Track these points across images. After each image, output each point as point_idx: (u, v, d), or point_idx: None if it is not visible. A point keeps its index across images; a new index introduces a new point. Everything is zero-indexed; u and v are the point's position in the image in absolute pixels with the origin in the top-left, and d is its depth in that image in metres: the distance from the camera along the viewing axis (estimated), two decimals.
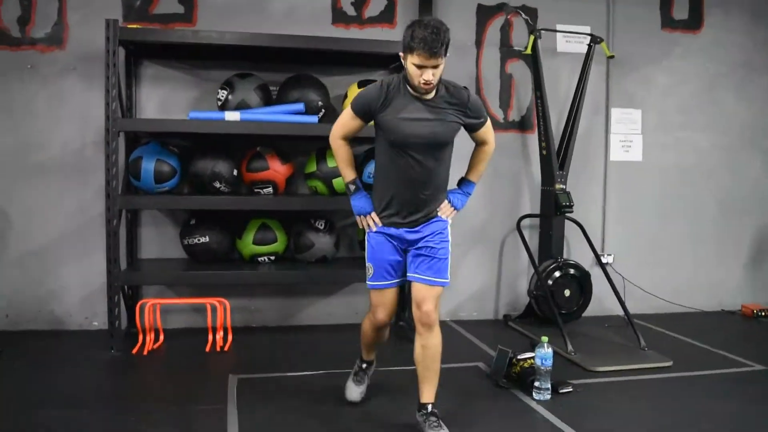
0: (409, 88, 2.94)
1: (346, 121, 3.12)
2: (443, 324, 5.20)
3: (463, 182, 3.28)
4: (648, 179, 5.83)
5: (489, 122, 3.19)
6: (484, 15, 5.46)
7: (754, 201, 6.16)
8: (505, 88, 5.51)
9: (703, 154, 5.98)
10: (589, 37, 5.32)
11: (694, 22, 5.92)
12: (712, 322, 5.68)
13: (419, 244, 3.04)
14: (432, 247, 3.03)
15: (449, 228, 3.18)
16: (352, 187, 3.15)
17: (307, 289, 5.19)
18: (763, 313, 5.85)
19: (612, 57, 5.43)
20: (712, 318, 5.82)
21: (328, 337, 4.87)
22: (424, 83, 2.81)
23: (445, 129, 2.98)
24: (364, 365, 3.51)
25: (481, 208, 5.45)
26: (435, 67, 2.78)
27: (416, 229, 3.06)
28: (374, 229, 3.09)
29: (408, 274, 3.08)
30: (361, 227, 3.20)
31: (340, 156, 3.17)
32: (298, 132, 4.47)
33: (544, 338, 3.63)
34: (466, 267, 5.45)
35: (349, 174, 3.17)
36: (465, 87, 3.03)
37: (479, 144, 3.24)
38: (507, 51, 5.50)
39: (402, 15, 5.24)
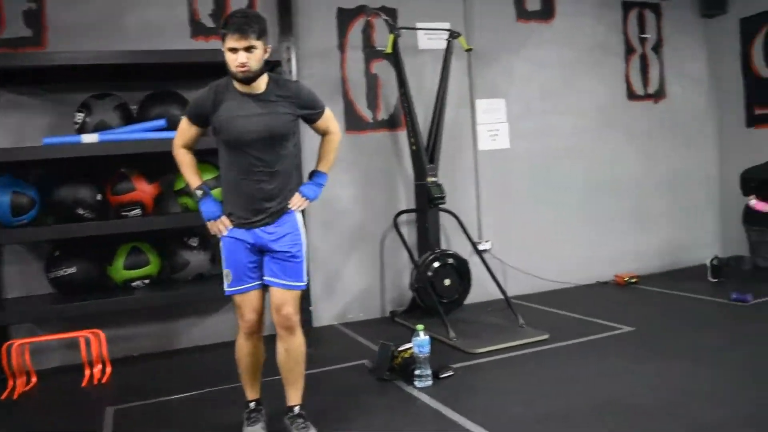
0: (236, 86, 2.95)
1: (183, 129, 3.10)
2: (331, 328, 5.31)
3: (314, 174, 3.25)
4: (517, 165, 6.09)
5: (328, 112, 3.20)
6: (345, 18, 5.54)
7: (618, 176, 6.55)
8: (371, 88, 5.60)
9: (566, 137, 6.30)
10: (447, 33, 5.49)
11: (546, 12, 6.24)
12: (588, 294, 6.00)
13: (274, 247, 3.02)
14: (286, 251, 3.01)
15: (302, 229, 3.14)
16: (199, 193, 3.09)
17: (186, 310, 5.04)
18: (633, 280, 6.23)
19: (470, 50, 5.63)
20: (588, 290, 6.15)
21: (214, 357, 4.72)
22: (239, 66, 2.83)
23: (279, 122, 2.97)
24: (252, 405, 3.24)
25: (358, 209, 5.53)
26: (248, 49, 2.82)
27: (269, 227, 3.02)
28: (224, 232, 3.06)
29: (264, 278, 3.05)
30: (213, 233, 3.13)
31: (184, 164, 3.14)
32: (163, 149, 4.35)
33: (420, 326, 3.73)
34: (348, 269, 5.52)
35: (194, 180, 3.12)
36: (296, 81, 3.05)
37: (323, 134, 3.25)
38: (370, 52, 5.60)
39: None
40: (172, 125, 4.50)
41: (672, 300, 5.55)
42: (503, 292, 5.01)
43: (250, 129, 2.92)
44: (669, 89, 6.87)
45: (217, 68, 4.64)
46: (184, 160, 3.14)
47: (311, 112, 3.12)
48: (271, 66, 3.06)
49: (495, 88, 6.01)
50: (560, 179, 6.26)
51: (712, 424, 2.92)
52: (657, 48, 6.81)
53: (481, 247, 5.74)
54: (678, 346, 4.17)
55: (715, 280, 6.00)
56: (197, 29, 5.09)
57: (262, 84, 2.96)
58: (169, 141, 4.34)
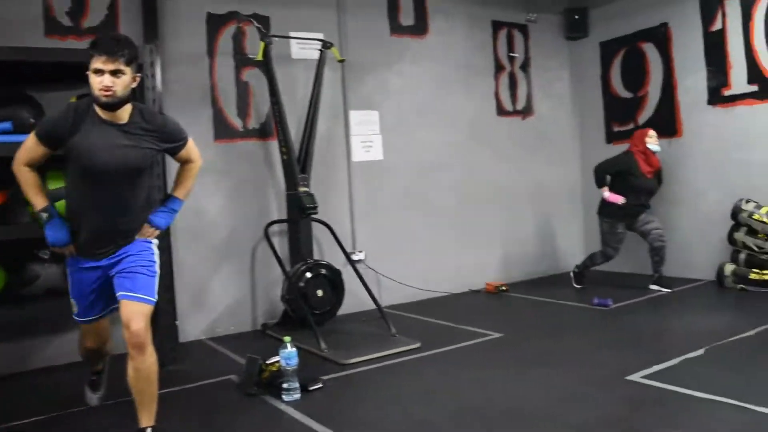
0: (98, 111, 2.75)
1: (29, 147, 2.82)
2: (199, 343, 5.09)
3: (169, 199, 3.11)
4: (390, 177, 6.13)
5: (190, 142, 3.08)
6: (215, 24, 5.38)
7: (488, 189, 6.75)
8: (242, 96, 5.46)
9: (437, 150, 6.42)
10: (320, 43, 5.45)
11: (420, 28, 6.35)
12: (460, 302, 6.11)
13: (122, 265, 2.84)
14: (135, 266, 2.84)
15: (155, 247, 3.01)
16: (44, 216, 2.85)
17: (38, 327, 4.64)
18: (503, 288, 6.42)
19: (342, 61, 5.62)
20: (459, 298, 6.27)
21: (70, 377, 4.28)
22: (103, 89, 2.64)
23: (140, 155, 2.82)
24: (94, 377, 3.47)
25: (228, 220, 5.36)
26: (114, 73, 2.65)
27: (116, 254, 2.87)
28: (68, 257, 2.87)
29: (116, 293, 2.86)
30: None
31: (27, 183, 2.85)
32: (7, 153, 4.02)
33: (287, 338, 3.63)
34: (218, 281, 5.32)
35: (38, 201, 2.85)
36: (161, 113, 2.93)
37: (184, 162, 3.12)
38: (241, 59, 5.47)
39: (126, 25, 4.93)
40: (20, 129, 4.17)
41: (539, 306, 5.76)
42: (376, 302, 5.00)
43: (109, 161, 2.74)
44: (536, 106, 7.18)
45: (73, 69, 4.38)
46: (27, 179, 2.86)
47: (175, 146, 3.00)
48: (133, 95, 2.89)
49: (369, 100, 6.04)
50: (432, 191, 6.37)
51: (577, 427, 2.99)
52: (525, 67, 7.11)
53: (354, 258, 5.74)
54: (544, 351, 4.30)
55: (579, 286, 6.29)
56: (52, 27, 4.75)
57: (125, 114, 2.79)
58: (16, 145, 4.02)
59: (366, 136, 6.01)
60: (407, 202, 6.22)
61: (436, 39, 6.44)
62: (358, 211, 5.97)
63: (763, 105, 5.82)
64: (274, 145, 5.44)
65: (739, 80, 5.99)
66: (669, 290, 5.86)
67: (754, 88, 5.87)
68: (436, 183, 6.40)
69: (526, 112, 7.11)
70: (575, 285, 6.32)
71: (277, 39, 5.31)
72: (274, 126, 5.30)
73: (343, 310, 5.34)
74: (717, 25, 6.12)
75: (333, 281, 5.19)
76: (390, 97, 6.16)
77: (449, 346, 4.53)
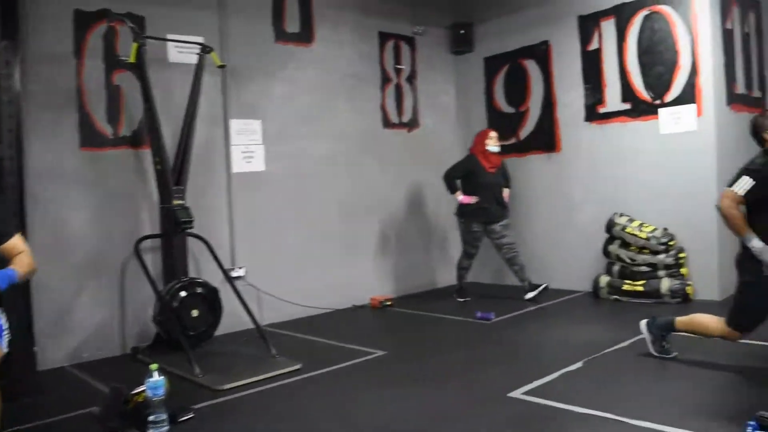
0: None
1: None
2: (60, 371, 4.66)
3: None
4: (273, 188, 5.91)
5: (17, 237, 2.94)
6: (83, 22, 4.98)
7: (373, 202, 6.66)
8: (112, 100, 5.08)
9: (323, 161, 6.26)
10: (199, 47, 5.17)
11: (306, 36, 6.18)
12: (344, 319, 5.97)
13: None
14: None
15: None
16: None
17: None
18: (388, 303, 6.34)
19: (223, 66, 5.35)
20: (344, 315, 6.13)
21: None
22: None
23: None
24: None
25: (94, 234, 4.94)
26: None
27: None
28: None
29: None
30: None
31: None
32: None
33: (153, 366, 3.35)
34: (83, 302, 4.89)
35: None
36: None
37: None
38: (113, 61, 5.08)
39: None
40: None
41: (423, 321, 5.71)
42: (255, 321, 4.76)
43: None
44: (422, 119, 7.19)
45: None
46: None
47: None
48: None
49: (251, 108, 5.80)
50: (317, 203, 6.21)
51: None
52: (411, 79, 7.10)
53: (234, 274, 5.50)
54: (427, 368, 4.23)
55: (462, 299, 6.31)
56: None
57: None
58: None
59: (247, 146, 5.76)
60: (291, 215, 6.02)
61: (322, 47, 6.30)
62: (238, 225, 5.70)
63: (635, 123, 6.07)
64: (147, 154, 5.08)
65: (613, 98, 6.22)
66: (544, 285, 6.10)
67: (627, 106, 6.12)
68: (321, 195, 6.24)
69: (412, 124, 7.09)
70: (457, 298, 6.35)
71: (152, 41, 4.99)
72: (147, 134, 4.97)
73: (222, 330, 5.08)
74: (594, 45, 6.34)
75: (209, 300, 4.91)
76: (273, 105, 5.94)
77: (331, 366, 4.37)
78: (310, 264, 6.13)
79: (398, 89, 6.96)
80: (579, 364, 3.99)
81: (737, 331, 3.67)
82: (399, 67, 6.96)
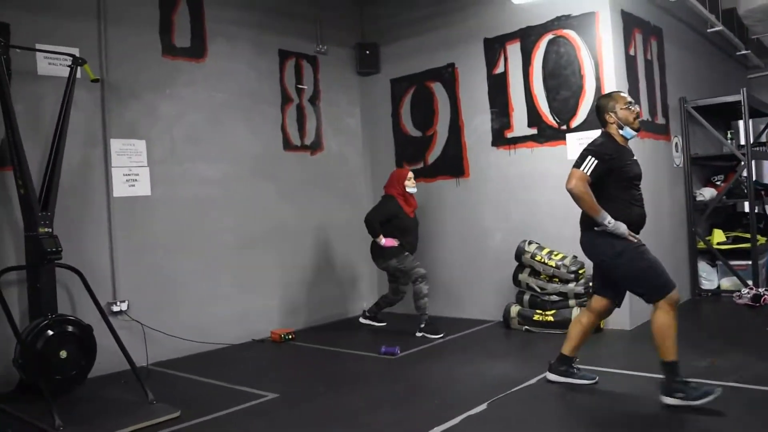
0: None
1: None
2: None
3: None
4: (160, 214, 5.41)
5: None
6: None
7: (274, 229, 6.24)
8: None
9: (216, 185, 5.81)
10: (70, 59, 4.67)
11: (197, 50, 5.76)
12: (240, 355, 5.50)
13: None
14: None
15: None
16: None
17: None
18: (290, 336, 5.91)
19: (96, 80, 4.86)
20: (241, 350, 5.65)
21: None
22: None
23: None
24: None
25: None
26: None
27: None
28: None
29: None
30: None
31: None
32: None
33: None
34: None
35: None
36: None
37: None
38: None
39: None
40: None
41: (324, 357, 5.32)
42: (130, 361, 4.25)
43: None
44: (326, 142, 6.85)
45: None
46: None
47: None
48: None
49: (134, 127, 5.30)
50: (210, 230, 5.74)
51: None
52: (314, 100, 6.76)
53: (115, 309, 4.99)
54: (320, 412, 3.84)
55: (440, 336, 5.72)
56: None
57: None
58: None
59: (130, 168, 5.25)
60: (180, 244, 5.52)
61: (215, 63, 5.88)
62: (120, 254, 5.16)
63: (542, 148, 5.94)
64: (9, 176, 4.52)
65: (520, 123, 6.08)
66: (439, 336, 5.62)
67: (534, 131, 5.98)
68: (215, 222, 5.78)
69: (315, 147, 6.74)
70: (433, 335, 5.71)
71: (17, 51, 4.47)
72: (8, 153, 4.41)
73: (104, 371, 4.60)
74: (500, 68, 6.19)
75: (81, 339, 4.35)
76: (160, 124, 5.46)
77: (215, 412, 3.90)
78: (204, 296, 5.64)
79: (300, 110, 6.61)
80: (483, 406, 3.69)
81: (667, 292, 3.49)
82: (301, 86, 6.62)
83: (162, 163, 5.45)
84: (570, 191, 3.55)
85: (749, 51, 8.61)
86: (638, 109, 3.75)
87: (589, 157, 3.55)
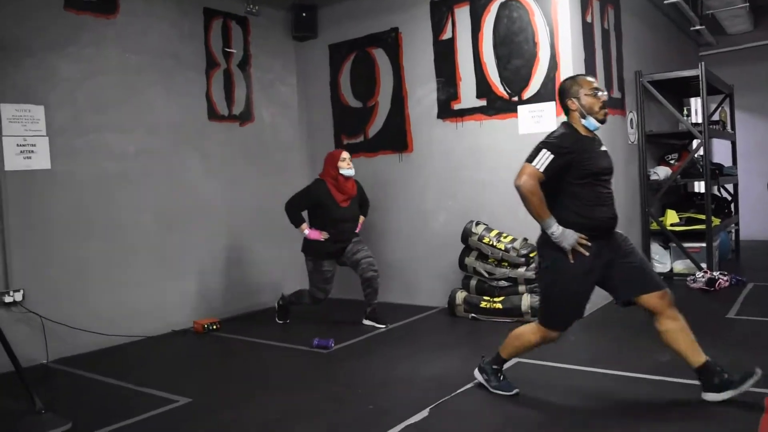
0: None
1: None
2: None
3: None
4: (62, 191, 4.76)
5: None
6: None
7: (197, 208, 5.64)
8: None
9: (130, 158, 5.18)
10: None
11: (107, 5, 5.08)
12: (157, 349, 4.93)
13: None
14: None
15: None
16: None
17: None
18: (214, 327, 5.35)
19: None
20: (159, 343, 5.08)
21: None
22: None
23: None
24: None
25: None
26: None
27: None
28: None
29: None
30: None
31: None
32: None
33: None
34: None
35: None
36: None
37: None
38: None
39: None
40: None
41: (251, 350, 4.77)
42: (14, 361, 3.60)
43: None
44: (257, 112, 6.25)
45: None
46: None
47: None
48: None
49: (29, 91, 4.61)
50: (123, 209, 5.11)
51: None
52: (244, 66, 6.14)
53: (7, 299, 4.38)
54: (232, 423, 3.30)
55: (281, 322, 5.53)
56: None
57: None
58: None
59: (25, 138, 4.57)
60: (87, 225, 4.89)
61: (129, 20, 5.20)
62: (13, 237, 4.49)
63: (491, 121, 5.48)
64: None
65: (468, 94, 5.60)
66: (384, 326, 5.18)
67: (483, 102, 5.51)
68: (128, 200, 5.15)
69: (245, 117, 6.13)
70: (278, 320, 5.52)
71: None
72: None
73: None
74: (447, 34, 5.68)
75: None
76: (61, 88, 4.78)
77: (114, 424, 3.34)
78: (116, 283, 5.04)
79: (228, 76, 5.97)
80: (425, 413, 3.22)
81: (550, 328, 3.21)
82: (229, 50, 5.98)
83: (64, 133, 4.78)
84: (517, 188, 3.03)
85: (703, 26, 8.33)
86: (605, 96, 3.19)
87: (544, 150, 3.02)
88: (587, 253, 3.06)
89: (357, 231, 5.31)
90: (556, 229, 3.03)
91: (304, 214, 5.24)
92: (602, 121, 3.20)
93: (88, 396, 3.87)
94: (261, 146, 6.23)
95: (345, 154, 5.20)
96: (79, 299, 4.81)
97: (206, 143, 5.74)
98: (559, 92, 3.29)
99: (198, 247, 5.65)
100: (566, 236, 3.03)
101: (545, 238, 3.12)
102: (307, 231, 5.13)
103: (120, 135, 5.10)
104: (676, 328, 3.10)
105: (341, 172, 5.13)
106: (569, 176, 3.08)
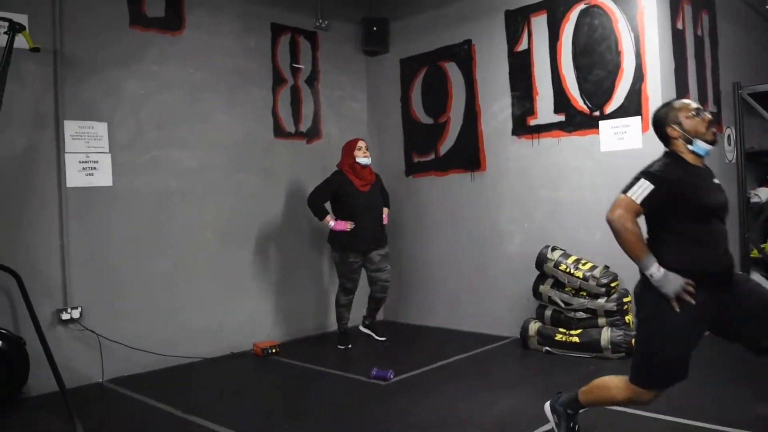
0: None
1: None
2: None
3: None
4: (123, 208, 4.70)
5: None
6: None
7: (259, 227, 5.50)
8: None
9: (191, 175, 5.09)
10: (6, 24, 3.96)
11: (173, 21, 5.04)
12: (214, 372, 4.79)
13: None
14: None
15: None
16: None
17: None
18: (274, 350, 5.16)
19: (36, 50, 4.10)
20: (217, 366, 4.94)
21: None
22: None
23: None
24: None
25: None
26: None
27: None
28: None
29: None
30: None
31: None
32: None
33: None
34: None
35: None
36: None
37: None
38: None
39: None
40: None
41: (307, 378, 4.52)
42: (60, 384, 3.55)
43: None
44: (325, 129, 6.07)
45: None
46: None
47: None
48: None
49: (93, 108, 4.58)
50: (183, 227, 5.01)
51: None
52: (312, 81, 5.98)
53: (65, 317, 4.32)
54: None
55: (342, 347, 5.29)
56: None
57: None
58: None
59: (87, 155, 4.53)
60: (148, 242, 4.82)
61: (194, 37, 5.14)
62: (73, 253, 4.45)
63: (570, 138, 5.08)
64: None
65: (545, 108, 5.22)
66: (383, 339, 5.35)
67: (561, 118, 5.12)
68: (190, 218, 5.05)
69: (312, 134, 5.96)
70: (339, 345, 5.31)
71: None
72: None
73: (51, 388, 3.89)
74: (523, 45, 5.34)
75: (7, 354, 3.67)
76: (125, 105, 4.73)
77: None
78: (173, 302, 4.94)
79: (295, 92, 5.83)
80: None
81: (645, 388, 2.69)
82: (297, 66, 5.84)
83: (126, 150, 4.73)
84: (609, 223, 2.62)
85: None
86: (710, 116, 2.75)
87: (643, 180, 2.61)
88: (694, 302, 2.57)
89: (385, 223, 5.32)
90: (656, 271, 2.56)
91: (328, 206, 5.23)
92: (713, 143, 2.73)
93: (133, 421, 3.74)
94: (328, 164, 5.96)
95: (361, 143, 5.23)
96: (138, 318, 4.72)
97: (271, 161, 5.60)
98: (655, 124, 2.84)
99: (260, 266, 5.50)
100: (669, 280, 2.56)
101: (645, 282, 2.67)
102: (332, 223, 5.09)
103: (182, 152, 5.02)
104: None
105: (357, 160, 5.15)
106: (676, 211, 2.63)
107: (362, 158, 5.15)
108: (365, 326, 5.55)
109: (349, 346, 5.29)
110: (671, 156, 2.75)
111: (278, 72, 5.71)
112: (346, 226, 5.03)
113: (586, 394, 2.96)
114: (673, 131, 2.75)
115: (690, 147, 2.72)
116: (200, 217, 5.11)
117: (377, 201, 5.23)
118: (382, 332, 5.43)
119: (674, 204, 2.61)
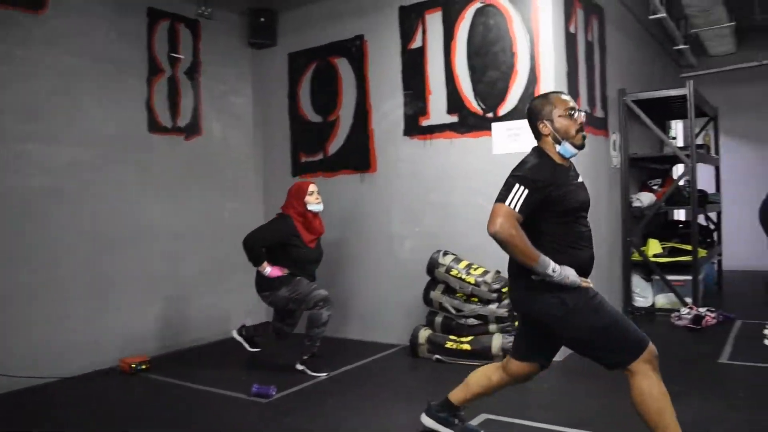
0: None
1: None
2: None
3: None
4: None
5: None
6: None
7: (132, 230, 5.03)
8: None
9: (58, 173, 4.58)
10: None
11: (35, 0, 4.47)
12: (72, 394, 4.26)
13: None
14: None
15: None
16: None
17: None
18: (143, 366, 4.71)
19: None
20: (77, 386, 4.42)
21: None
22: None
23: None
24: None
25: None
26: None
27: None
28: None
29: None
30: None
31: None
32: None
33: None
34: None
35: None
36: None
37: None
38: None
39: None
40: None
41: (178, 398, 4.10)
42: None
43: None
44: (206, 124, 5.67)
45: None
46: None
47: None
48: None
49: None
50: (48, 231, 4.51)
51: None
52: (192, 73, 5.56)
53: None
54: None
55: (253, 350, 4.86)
56: None
57: None
58: None
59: None
60: (6, 248, 4.28)
61: (60, 18, 4.62)
62: None
63: (462, 139, 4.97)
64: None
65: (438, 109, 5.09)
66: (321, 375, 4.47)
67: (454, 118, 5.00)
68: (54, 220, 4.53)
69: (192, 130, 5.54)
70: (249, 349, 4.85)
71: None
72: None
73: None
74: (417, 42, 5.18)
75: None
76: None
77: None
78: (36, 315, 4.41)
79: (173, 84, 5.39)
80: None
81: (636, 355, 2.52)
82: (175, 55, 5.41)
83: None
84: (494, 235, 2.50)
85: (687, 46, 7.95)
86: (583, 118, 2.70)
87: (517, 185, 2.53)
88: (591, 284, 2.63)
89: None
90: (555, 266, 2.53)
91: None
92: (580, 147, 2.69)
93: None
94: (210, 163, 5.65)
95: (313, 187, 4.58)
96: None
97: (146, 158, 5.15)
98: (529, 114, 2.77)
99: (135, 272, 5.03)
100: (566, 271, 2.55)
101: (537, 286, 2.58)
102: (268, 270, 4.46)
103: (48, 146, 4.50)
104: (496, 386, 3.02)
105: (309, 207, 4.51)
106: (545, 213, 2.59)
107: (315, 205, 4.52)
108: (241, 335, 4.89)
109: (259, 349, 4.86)
110: (540, 155, 2.69)
111: (155, 61, 5.25)
112: (282, 272, 4.46)
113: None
114: (545, 128, 2.70)
115: (557, 147, 2.68)
116: (66, 217, 4.60)
117: (320, 255, 4.69)
118: (318, 367, 4.59)
119: (546, 206, 2.59)
